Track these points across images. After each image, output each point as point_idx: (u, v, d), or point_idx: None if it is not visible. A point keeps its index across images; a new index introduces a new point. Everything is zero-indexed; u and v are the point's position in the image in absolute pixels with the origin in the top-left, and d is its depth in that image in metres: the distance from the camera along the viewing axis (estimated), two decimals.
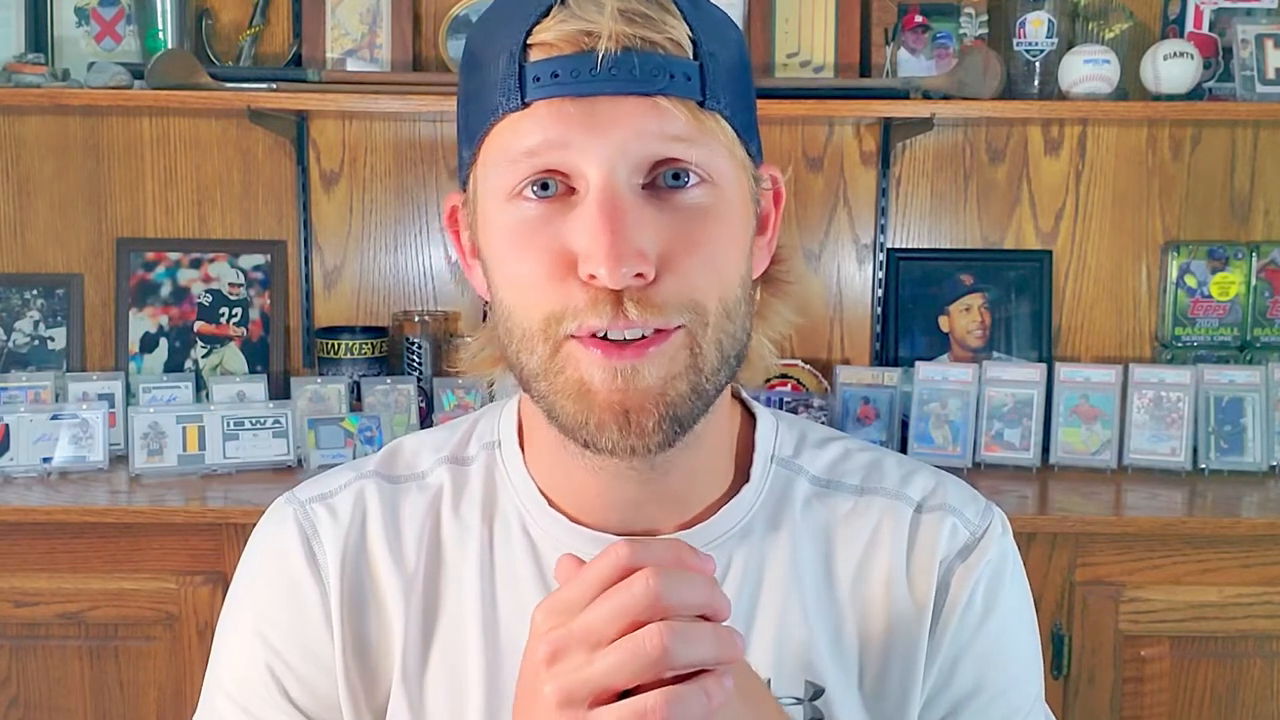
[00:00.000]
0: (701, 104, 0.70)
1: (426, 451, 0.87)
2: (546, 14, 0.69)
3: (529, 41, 0.69)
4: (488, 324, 0.79)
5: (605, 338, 0.70)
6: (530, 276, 0.71)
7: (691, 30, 0.70)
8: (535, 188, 0.71)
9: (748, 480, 0.83)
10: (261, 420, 2.08)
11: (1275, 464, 2.12)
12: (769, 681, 0.78)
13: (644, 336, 0.70)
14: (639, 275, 0.68)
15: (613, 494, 0.78)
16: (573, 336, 0.71)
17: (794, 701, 0.78)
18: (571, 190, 0.70)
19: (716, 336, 0.72)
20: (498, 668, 0.79)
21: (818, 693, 0.78)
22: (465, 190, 0.77)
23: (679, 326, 0.71)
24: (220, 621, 0.86)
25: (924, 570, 0.81)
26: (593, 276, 0.68)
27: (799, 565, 0.81)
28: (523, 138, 0.70)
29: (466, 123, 0.75)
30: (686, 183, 0.71)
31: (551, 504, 0.81)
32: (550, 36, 0.68)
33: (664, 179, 0.70)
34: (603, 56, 0.67)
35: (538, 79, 0.69)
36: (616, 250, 0.67)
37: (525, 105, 0.69)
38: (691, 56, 0.70)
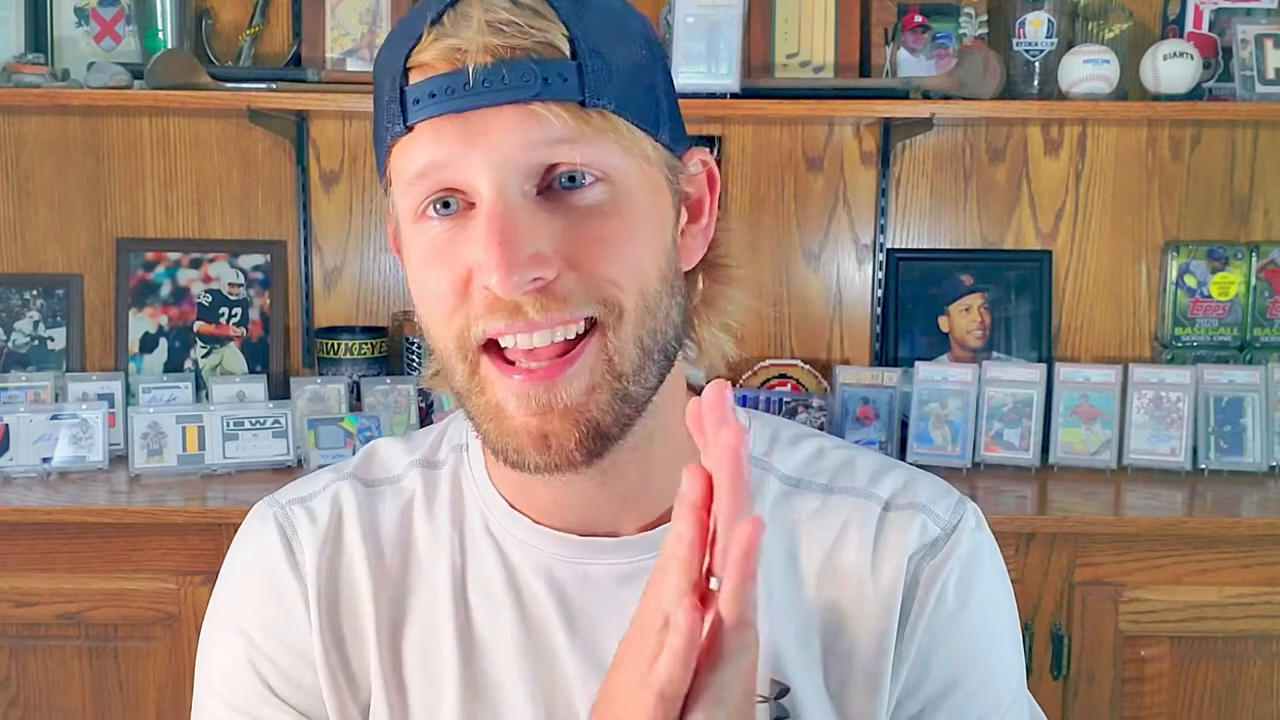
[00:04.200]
0: (583, 103, 0.69)
1: (400, 455, 0.88)
2: (422, 36, 0.70)
3: (408, 65, 0.70)
4: None
5: (518, 358, 0.70)
6: (438, 295, 0.72)
7: (568, 30, 0.69)
8: (437, 206, 0.71)
9: None
10: (261, 420, 2.08)
11: (1275, 464, 2.12)
12: None
13: (553, 344, 0.70)
14: (537, 278, 0.68)
15: (567, 499, 0.79)
16: (485, 351, 0.71)
17: (760, 700, 0.78)
18: (471, 205, 0.71)
19: (635, 333, 0.72)
20: (472, 667, 0.80)
21: (783, 691, 0.78)
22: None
23: (588, 323, 0.71)
24: (205, 623, 0.87)
25: (891, 568, 0.80)
26: (488, 288, 0.69)
27: (765, 564, 0.80)
28: (410, 161, 0.71)
29: (375, 152, 0.76)
30: (582, 183, 0.70)
31: (513, 506, 0.82)
32: (426, 57, 0.69)
33: (559, 182, 0.70)
34: (473, 70, 0.68)
35: (417, 101, 0.69)
36: (507, 259, 0.67)
37: (409, 129, 0.70)
38: (569, 56, 0.69)
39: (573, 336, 0.71)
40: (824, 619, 0.80)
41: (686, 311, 0.78)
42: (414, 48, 0.70)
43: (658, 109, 0.74)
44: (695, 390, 0.85)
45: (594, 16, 0.71)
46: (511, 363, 0.71)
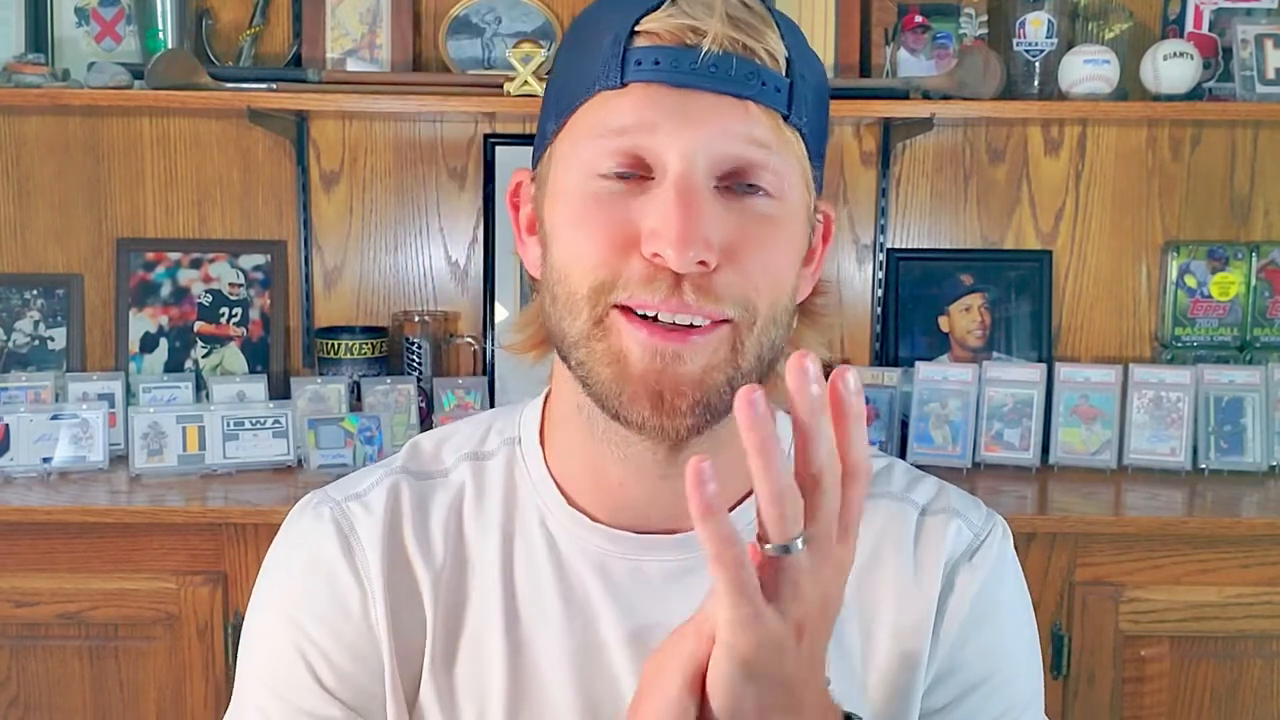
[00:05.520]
0: (786, 118, 0.73)
1: (447, 448, 0.89)
2: (657, 7, 0.72)
3: (635, 29, 0.72)
4: (531, 304, 0.82)
5: (654, 319, 0.72)
6: (590, 244, 0.73)
7: (787, 48, 0.73)
8: (614, 170, 0.73)
9: None
10: (261, 420, 2.08)
11: (1275, 464, 2.12)
12: None
13: (692, 325, 0.72)
14: (702, 263, 0.70)
15: (635, 487, 0.80)
16: (618, 307, 0.73)
17: None
18: (647, 178, 0.73)
19: (759, 339, 0.75)
20: (519, 661, 0.81)
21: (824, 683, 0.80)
22: (537, 166, 0.80)
23: (726, 320, 0.73)
24: (248, 618, 0.87)
25: (930, 570, 0.83)
26: (657, 256, 0.70)
27: None
28: (614, 115, 0.73)
29: (557, 98, 0.78)
30: (756, 191, 0.74)
31: (570, 502, 0.83)
32: (656, 27, 0.72)
33: (736, 185, 0.73)
34: (705, 54, 0.71)
35: (639, 63, 0.72)
36: (687, 233, 0.69)
37: (623, 85, 0.72)
38: (784, 72, 0.73)
39: (705, 324, 0.73)
40: (863, 618, 0.82)
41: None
42: (645, 15, 0.72)
43: (822, 149, 0.79)
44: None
45: (801, 45, 0.76)
46: (643, 317, 0.73)
